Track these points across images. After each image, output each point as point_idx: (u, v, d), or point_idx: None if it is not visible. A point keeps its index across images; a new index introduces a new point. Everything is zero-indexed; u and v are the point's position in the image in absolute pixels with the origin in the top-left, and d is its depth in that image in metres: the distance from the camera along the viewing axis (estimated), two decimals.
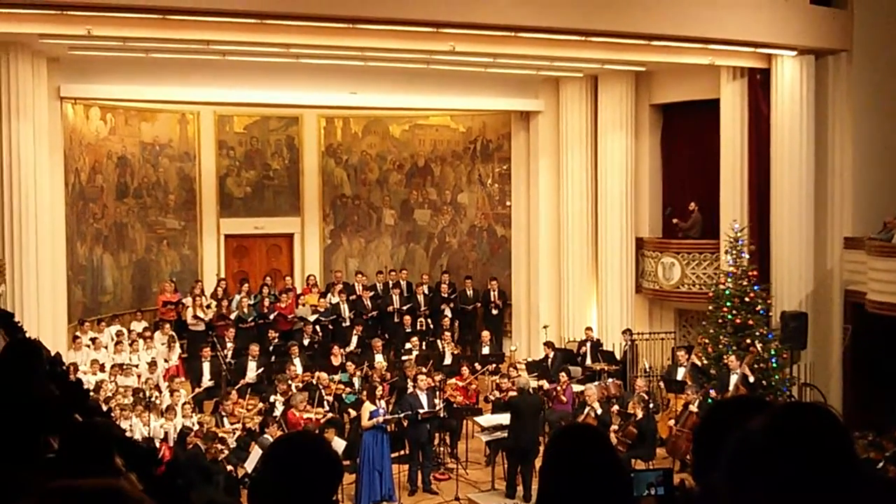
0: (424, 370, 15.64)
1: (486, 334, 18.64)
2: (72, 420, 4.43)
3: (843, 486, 1.76)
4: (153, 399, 14.76)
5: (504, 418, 14.01)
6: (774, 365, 15.53)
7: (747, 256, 16.17)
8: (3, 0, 12.42)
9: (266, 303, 18.61)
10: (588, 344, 18.09)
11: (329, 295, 19.37)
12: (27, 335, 8.18)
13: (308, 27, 13.72)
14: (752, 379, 14.99)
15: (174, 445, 13.69)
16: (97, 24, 13.06)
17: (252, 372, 16.51)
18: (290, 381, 15.61)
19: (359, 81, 18.00)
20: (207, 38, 14.00)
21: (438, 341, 18.56)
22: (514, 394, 14.30)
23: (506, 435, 13.88)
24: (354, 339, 18.32)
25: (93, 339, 16.71)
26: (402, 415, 14.19)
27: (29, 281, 15.46)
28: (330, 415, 14.94)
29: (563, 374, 16.14)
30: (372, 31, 13.97)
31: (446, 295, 20.14)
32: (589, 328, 18.48)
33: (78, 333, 16.78)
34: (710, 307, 16.34)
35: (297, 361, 16.50)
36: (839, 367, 16.47)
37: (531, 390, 14.50)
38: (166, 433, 13.98)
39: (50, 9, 12.54)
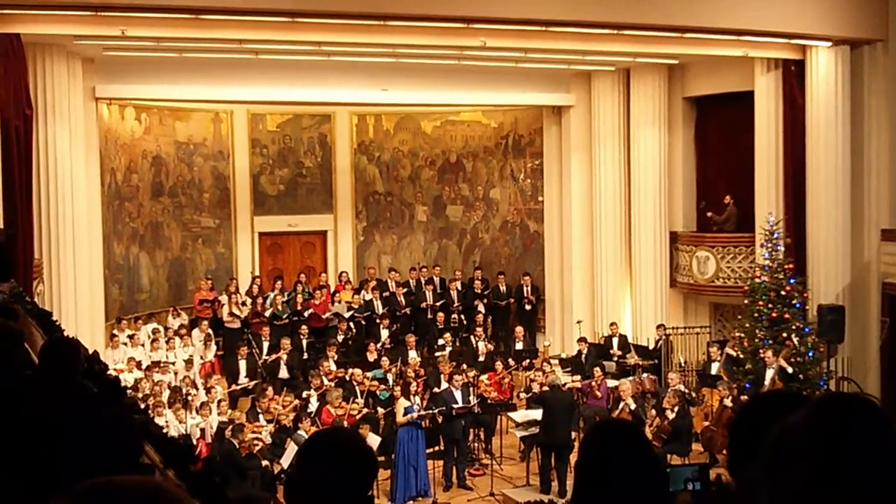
0: (457, 366, 15.63)
1: (519, 330, 18.60)
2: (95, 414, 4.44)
3: (887, 481, 1.73)
4: (189, 397, 14.88)
5: (537, 414, 14.00)
6: (811, 359, 15.38)
7: (783, 249, 16.01)
8: (38, 2, 12.58)
9: (299, 300, 18.68)
10: (614, 340, 18.01)
11: (363, 291, 19.44)
12: (65, 334, 8.26)
13: (339, 25, 13.77)
14: (790, 370, 14.85)
15: (211, 442, 13.81)
16: (131, 25, 13.17)
17: (284, 366, 16.65)
18: (323, 377, 15.69)
19: (390, 78, 18.02)
20: (240, 38, 14.08)
21: (472, 337, 18.54)
22: (546, 389, 14.30)
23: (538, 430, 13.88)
24: (384, 333, 18.36)
25: (130, 337, 16.87)
26: (436, 410, 14.22)
27: (66, 280, 15.62)
28: (365, 410, 14.99)
29: (597, 369, 16.09)
30: (403, 27, 13.98)
31: (479, 291, 20.12)
32: (613, 324, 18.32)
33: (115, 331, 16.95)
34: (746, 301, 16.20)
35: (330, 358, 16.58)
36: (877, 361, 16.27)
37: (561, 386, 14.48)
38: (202, 430, 14.10)
39: (84, 10, 12.66)
